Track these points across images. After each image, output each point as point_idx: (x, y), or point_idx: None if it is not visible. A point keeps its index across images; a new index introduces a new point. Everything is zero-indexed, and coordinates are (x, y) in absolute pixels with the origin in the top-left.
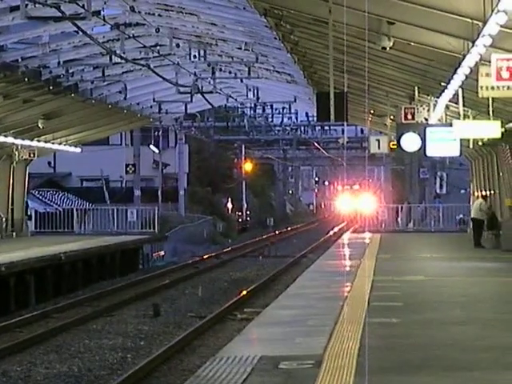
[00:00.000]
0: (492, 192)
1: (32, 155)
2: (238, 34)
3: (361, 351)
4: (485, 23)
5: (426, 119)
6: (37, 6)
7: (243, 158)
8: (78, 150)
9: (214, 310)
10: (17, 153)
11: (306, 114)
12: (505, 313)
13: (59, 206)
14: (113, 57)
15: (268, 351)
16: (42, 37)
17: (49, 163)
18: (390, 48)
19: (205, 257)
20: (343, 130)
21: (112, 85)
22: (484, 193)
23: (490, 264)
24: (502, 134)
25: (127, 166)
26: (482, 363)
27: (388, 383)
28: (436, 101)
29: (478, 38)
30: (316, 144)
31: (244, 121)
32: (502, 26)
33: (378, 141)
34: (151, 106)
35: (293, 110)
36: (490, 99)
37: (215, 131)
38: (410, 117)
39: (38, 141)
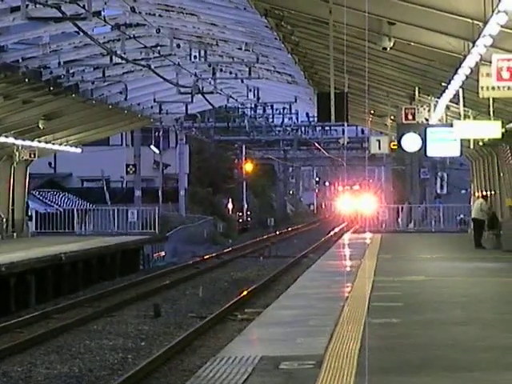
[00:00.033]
0: (493, 192)
1: (32, 156)
2: (239, 34)
3: (361, 351)
4: (485, 23)
5: (427, 119)
6: (37, 6)
7: (244, 158)
8: (79, 150)
9: (215, 311)
10: (17, 153)
11: (307, 114)
12: (505, 313)
13: (60, 206)
14: (113, 57)
15: (269, 351)
16: (42, 37)
17: (49, 164)
18: (391, 48)
19: (205, 257)
20: (344, 131)
21: (112, 85)
22: (484, 193)
23: (491, 264)
24: (503, 134)
25: (128, 166)
26: (482, 363)
27: (388, 383)
28: (436, 101)
29: (478, 38)
30: (316, 144)
31: (244, 121)
32: (502, 27)
33: (379, 141)
34: (152, 107)
35: (293, 111)
36: (491, 99)
37: (216, 132)
38: (410, 117)
39: (39, 141)
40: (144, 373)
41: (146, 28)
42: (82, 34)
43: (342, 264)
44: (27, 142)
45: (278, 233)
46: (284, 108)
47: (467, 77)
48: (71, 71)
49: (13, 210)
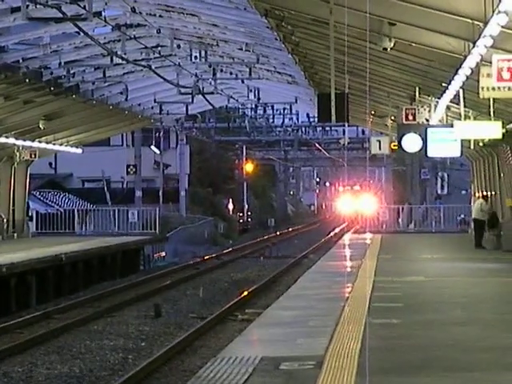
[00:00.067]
0: (493, 193)
1: (33, 156)
2: (239, 34)
3: (362, 352)
4: (486, 24)
5: (427, 120)
6: (38, 6)
7: (244, 158)
8: (79, 150)
9: (215, 311)
10: (18, 154)
11: (307, 114)
12: (505, 313)
13: (60, 206)
14: (114, 58)
15: (269, 352)
16: (43, 38)
17: (50, 164)
18: (391, 49)
19: (206, 257)
20: (344, 131)
21: (113, 86)
22: (484, 193)
23: (491, 265)
24: (503, 134)
25: (128, 166)
26: (482, 364)
27: None
28: (437, 101)
29: (478, 38)
30: (317, 145)
31: (245, 122)
32: (502, 27)
33: (379, 141)
34: (152, 107)
35: (294, 111)
36: (491, 100)
37: (216, 132)
38: (410, 117)
39: (39, 142)
40: (144, 373)
41: (147, 28)
42: (82, 34)
43: (342, 264)
44: (28, 143)
45: (278, 233)
46: (284, 108)
47: (468, 77)
48: (72, 72)
49: (13, 210)
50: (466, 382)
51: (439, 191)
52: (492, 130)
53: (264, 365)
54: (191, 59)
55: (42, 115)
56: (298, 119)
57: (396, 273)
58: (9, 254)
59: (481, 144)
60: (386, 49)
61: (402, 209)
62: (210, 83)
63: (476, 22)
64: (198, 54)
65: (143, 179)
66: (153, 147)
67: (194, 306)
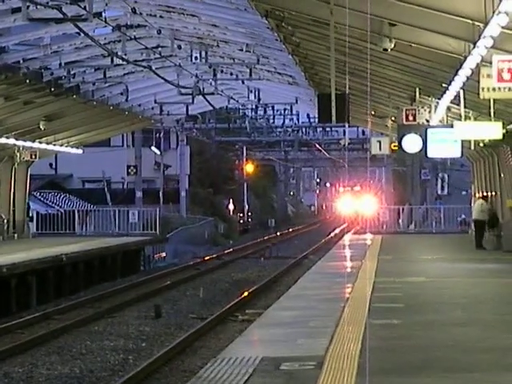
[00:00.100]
0: (493, 193)
1: (33, 157)
2: (240, 35)
3: (362, 352)
4: (486, 24)
5: (428, 120)
6: (38, 7)
7: (244, 159)
8: (80, 151)
9: (216, 312)
10: (18, 154)
11: (308, 115)
12: (506, 314)
13: (61, 207)
14: (114, 58)
15: (269, 352)
16: (43, 38)
17: (50, 165)
18: (392, 49)
19: (206, 258)
20: (344, 132)
21: (113, 86)
22: (484, 193)
23: (492, 265)
24: (504, 135)
25: (128, 167)
26: (482, 364)
27: None
28: (437, 102)
29: (479, 39)
30: (317, 145)
31: (245, 122)
32: (503, 28)
33: (380, 142)
34: (152, 108)
35: (294, 112)
36: (492, 100)
37: (216, 133)
38: (411, 118)
39: (40, 142)
40: (145, 374)
41: (147, 29)
42: (82, 35)
43: (342, 265)
44: (28, 143)
45: (278, 234)
46: (285, 109)
47: (468, 78)
48: (72, 72)
49: (14, 211)
50: (467, 382)
51: (439, 192)
52: (492, 130)
53: (264, 365)
54: (191, 60)
55: (43, 116)
56: (298, 120)
57: (396, 273)
58: (9, 254)
59: (481, 145)
60: (386, 49)
61: (403, 209)
62: (211, 84)
63: (476, 23)
64: (198, 55)
65: (143, 180)
66: (153, 148)
67: (195, 307)
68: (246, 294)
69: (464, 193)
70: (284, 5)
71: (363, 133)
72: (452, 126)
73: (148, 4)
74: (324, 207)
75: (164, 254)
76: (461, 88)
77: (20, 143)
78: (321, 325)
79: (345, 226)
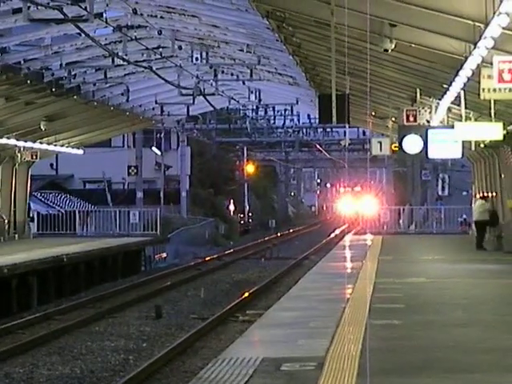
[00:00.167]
0: (494, 194)
1: (34, 157)
2: (240, 36)
3: (362, 353)
4: (487, 25)
5: (428, 121)
6: (39, 8)
7: (245, 159)
8: (81, 151)
9: (216, 312)
10: (19, 155)
11: (308, 116)
12: (506, 315)
13: (61, 207)
14: (115, 59)
15: (270, 353)
16: (44, 39)
17: (51, 165)
18: (392, 50)
19: (207, 258)
20: (345, 132)
21: (114, 87)
22: (484, 193)
23: (492, 266)
24: (504, 135)
25: (129, 167)
26: (483, 365)
27: None
28: (438, 103)
29: (479, 40)
30: (318, 146)
31: (246, 123)
32: (503, 28)
33: (380, 143)
34: (153, 108)
35: (295, 112)
36: (492, 101)
37: (217, 133)
38: (411, 119)
39: (41, 143)
40: (145, 374)
41: (148, 30)
42: (83, 35)
43: (343, 266)
44: (29, 144)
45: (279, 234)
46: (285, 110)
47: (468, 79)
48: (73, 73)
49: (14, 211)
50: (467, 383)
51: (440, 192)
52: (493, 131)
53: (265, 366)
54: (192, 60)
55: (43, 116)
56: (298, 120)
57: (397, 274)
58: (10, 255)
59: (482, 145)
60: (386, 50)
61: (403, 210)
62: (211, 84)
63: (477, 24)
64: (199, 56)
65: (144, 180)
66: (154, 148)
67: (195, 307)
68: (246, 294)
69: (464, 193)
70: (285, 5)
71: (364, 133)
72: (453, 127)
73: (149, 5)
74: (325, 208)
75: (165, 255)
76: (461, 89)
77: (21, 144)
78: (321, 325)
79: (345, 227)
